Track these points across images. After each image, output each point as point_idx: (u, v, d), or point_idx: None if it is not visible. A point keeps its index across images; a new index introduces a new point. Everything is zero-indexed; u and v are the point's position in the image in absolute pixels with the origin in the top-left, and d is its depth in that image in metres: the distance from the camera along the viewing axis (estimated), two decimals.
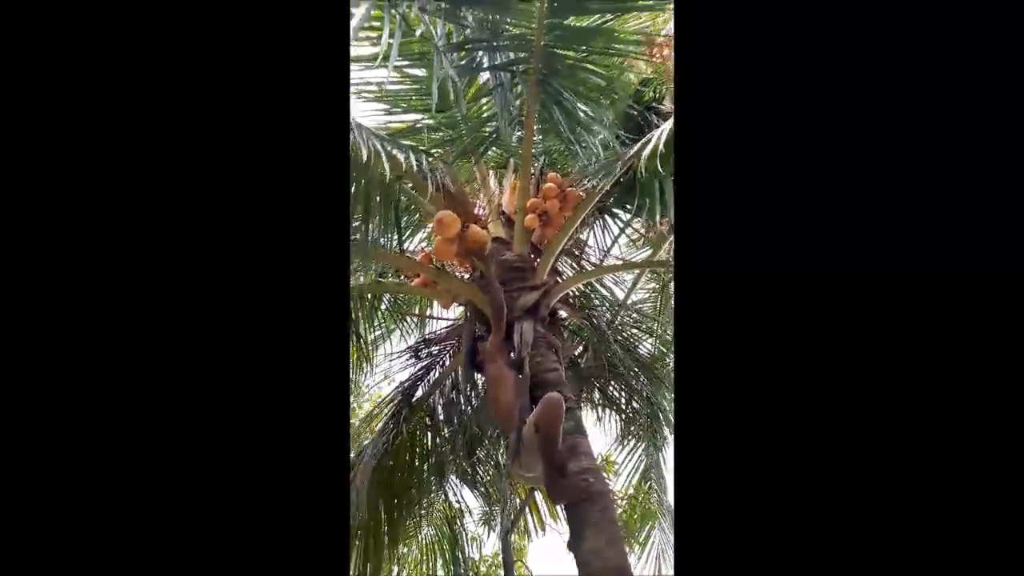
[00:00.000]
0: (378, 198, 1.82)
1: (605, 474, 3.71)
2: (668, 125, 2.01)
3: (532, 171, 2.57)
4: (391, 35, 1.68)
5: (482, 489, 3.45)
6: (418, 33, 1.75)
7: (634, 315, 3.62)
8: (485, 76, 2.36)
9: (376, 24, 1.83)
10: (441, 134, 2.65)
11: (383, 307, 3.32)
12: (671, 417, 3.43)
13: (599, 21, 2.28)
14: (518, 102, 2.33)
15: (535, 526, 3.77)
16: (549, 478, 2.03)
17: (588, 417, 3.57)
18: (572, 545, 1.96)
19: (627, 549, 3.57)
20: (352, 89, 2.57)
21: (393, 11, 1.72)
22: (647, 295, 3.66)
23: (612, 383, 3.52)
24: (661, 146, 1.95)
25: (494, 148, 2.70)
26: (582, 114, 2.36)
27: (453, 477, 3.37)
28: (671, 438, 3.49)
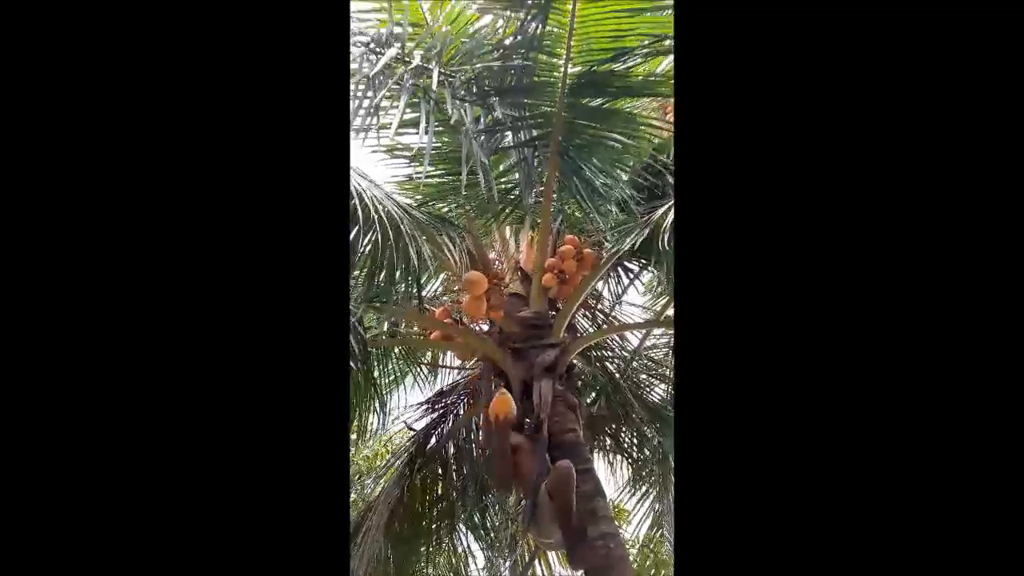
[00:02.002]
0: (398, 256, 1.98)
1: (616, 522, 3.82)
2: None
3: (550, 231, 2.75)
4: (426, 128, 1.87)
5: (489, 538, 3.55)
6: (452, 121, 1.94)
7: (646, 362, 3.76)
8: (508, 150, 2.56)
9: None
10: (467, 207, 2.85)
11: (396, 351, 3.46)
12: None
13: (617, 102, 2.49)
14: (539, 170, 2.52)
15: (543, 574, 3.87)
16: (569, 545, 2.16)
17: (599, 463, 3.70)
18: None
19: None
20: (385, 145, 2.76)
21: (429, 101, 1.92)
22: (658, 339, 3.81)
23: (623, 430, 3.65)
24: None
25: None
26: (600, 182, 2.55)
27: (461, 525, 3.47)
28: None
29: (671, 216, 2.18)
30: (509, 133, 2.42)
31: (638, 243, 2.42)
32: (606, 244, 2.80)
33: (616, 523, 3.73)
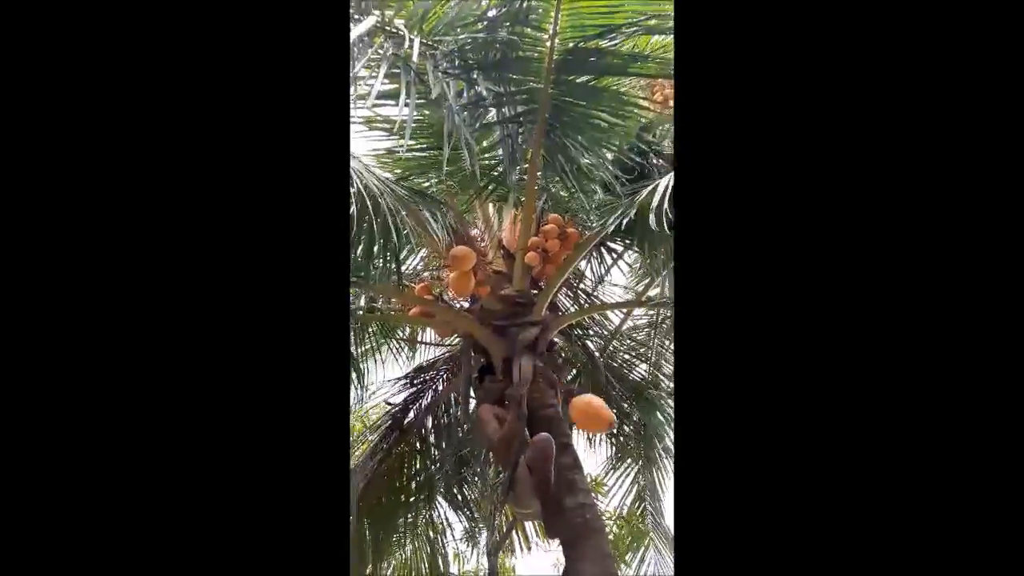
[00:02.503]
0: (377, 230, 1.97)
1: (595, 495, 3.97)
2: (670, 176, 2.20)
3: (534, 210, 2.75)
4: (406, 99, 1.83)
5: (467, 511, 3.66)
6: (433, 95, 1.91)
7: (627, 342, 3.84)
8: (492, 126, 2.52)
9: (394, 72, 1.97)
10: (449, 182, 2.82)
11: (373, 327, 3.47)
12: (666, 441, 3.66)
13: (605, 80, 2.46)
14: (523, 147, 2.50)
15: (521, 544, 4.02)
16: (546, 515, 2.25)
17: (580, 440, 3.81)
18: (567, 573, 2.18)
19: (619, 572, 3.80)
20: (363, 117, 2.71)
21: (410, 73, 1.88)
22: (640, 320, 3.88)
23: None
24: (662, 192, 2.14)
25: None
26: (585, 161, 2.54)
27: (440, 498, 3.57)
28: (665, 461, 3.72)
29: (656, 196, 2.19)
30: (493, 108, 2.38)
31: (623, 224, 2.44)
32: (590, 223, 2.82)
33: (594, 495, 3.89)
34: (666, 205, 2.11)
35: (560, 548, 2.26)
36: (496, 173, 2.73)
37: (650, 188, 2.30)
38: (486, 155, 2.72)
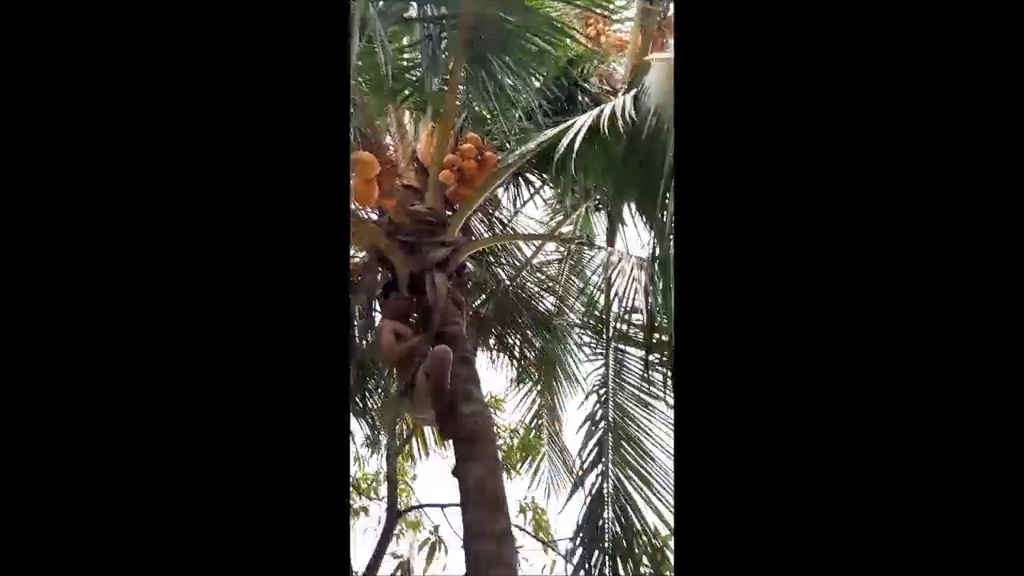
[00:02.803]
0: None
1: (494, 411, 4.28)
2: (597, 110, 2.26)
3: (452, 126, 2.72)
4: None
5: (369, 418, 3.83)
6: None
7: (538, 275, 4.03)
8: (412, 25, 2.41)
9: None
10: (361, 78, 2.67)
11: None
12: (566, 368, 3.98)
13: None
14: (445, 56, 2.43)
15: (420, 452, 4.32)
16: (441, 417, 2.45)
17: (482, 361, 4.06)
18: (457, 472, 2.43)
19: (508, 476, 4.18)
20: None
21: None
22: (552, 256, 4.07)
23: (508, 332, 3.99)
24: (586, 129, 2.21)
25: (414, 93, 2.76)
26: (508, 81, 2.53)
27: None
28: (564, 385, 4.05)
29: (572, 132, 2.25)
30: (415, 2, 2.26)
31: (543, 152, 2.48)
32: (510, 149, 2.84)
33: (493, 411, 4.20)
34: (578, 145, 2.18)
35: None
36: (414, 77, 2.63)
37: (568, 124, 2.36)
38: (404, 55, 2.60)
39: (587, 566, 3.06)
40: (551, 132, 2.48)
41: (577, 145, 2.18)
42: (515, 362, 4.08)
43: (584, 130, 2.20)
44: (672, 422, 3.18)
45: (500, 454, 3.88)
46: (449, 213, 2.89)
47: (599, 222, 3.70)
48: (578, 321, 3.85)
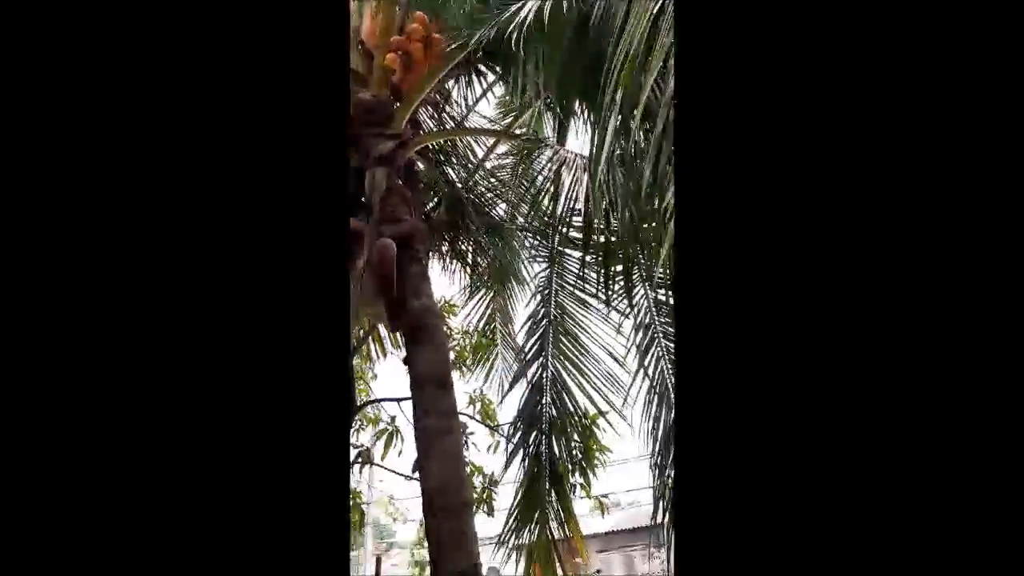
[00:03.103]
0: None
1: (446, 314, 4.42)
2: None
3: (397, 4, 2.53)
4: None
5: None
6: None
7: (491, 180, 4.01)
8: None
9: None
10: None
11: None
12: (517, 275, 4.11)
13: None
14: None
15: (377, 353, 4.47)
16: (389, 310, 2.53)
17: (435, 267, 4.10)
18: (407, 360, 2.57)
19: (461, 375, 4.43)
20: None
21: None
22: (505, 160, 4.03)
23: (461, 237, 4.02)
24: (531, 17, 2.12)
25: None
26: None
27: None
28: (516, 291, 4.20)
29: (526, 15, 2.15)
30: None
31: (494, 41, 2.38)
32: (459, 34, 2.69)
33: (447, 316, 4.34)
34: (532, 20, 2.10)
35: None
36: None
37: (521, 5, 2.25)
38: None
39: (526, 444, 3.45)
40: (505, 15, 2.37)
41: (525, 28, 2.11)
42: (468, 269, 4.17)
43: (532, 15, 2.11)
44: (605, 317, 3.49)
45: (452, 354, 4.09)
46: (397, 105, 2.77)
47: (550, 121, 3.65)
48: (527, 224, 3.93)
